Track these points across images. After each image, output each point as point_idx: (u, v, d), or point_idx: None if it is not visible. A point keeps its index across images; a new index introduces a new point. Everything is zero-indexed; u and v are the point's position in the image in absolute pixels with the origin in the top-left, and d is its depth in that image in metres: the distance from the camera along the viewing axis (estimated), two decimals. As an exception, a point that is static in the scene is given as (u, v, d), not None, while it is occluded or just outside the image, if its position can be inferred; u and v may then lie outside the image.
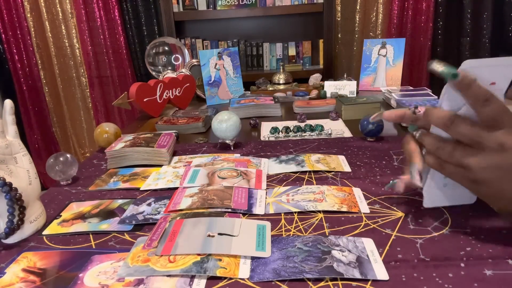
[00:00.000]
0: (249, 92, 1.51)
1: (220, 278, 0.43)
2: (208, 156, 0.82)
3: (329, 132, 0.95)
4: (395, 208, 0.57)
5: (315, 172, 0.72)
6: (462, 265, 0.43)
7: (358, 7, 2.22)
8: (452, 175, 0.45)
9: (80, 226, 0.57)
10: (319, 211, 0.57)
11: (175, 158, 0.84)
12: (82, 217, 0.60)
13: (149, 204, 0.62)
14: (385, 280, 0.41)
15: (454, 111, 0.44)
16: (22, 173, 0.55)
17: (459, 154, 0.43)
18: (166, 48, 1.56)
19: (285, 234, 0.52)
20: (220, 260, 0.46)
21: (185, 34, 2.34)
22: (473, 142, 0.42)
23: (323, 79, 1.57)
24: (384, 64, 1.50)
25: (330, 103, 1.22)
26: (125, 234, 0.54)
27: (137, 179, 0.73)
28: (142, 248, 0.49)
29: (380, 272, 0.42)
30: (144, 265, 0.46)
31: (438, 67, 0.42)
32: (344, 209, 0.57)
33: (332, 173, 0.71)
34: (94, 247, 0.52)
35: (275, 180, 0.70)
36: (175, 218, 0.56)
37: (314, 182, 0.68)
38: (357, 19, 2.24)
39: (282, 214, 0.57)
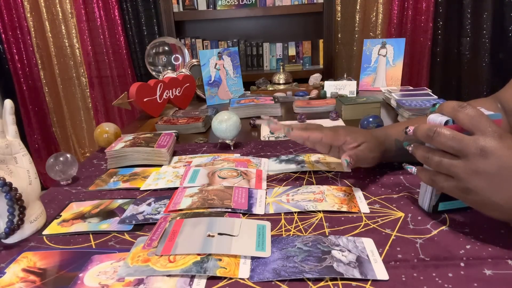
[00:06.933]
0: (249, 92, 1.51)
1: (220, 278, 0.43)
2: (208, 156, 0.82)
3: (329, 132, 0.95)
4: (395, 208, 0.57)
5: (315, 172, 0.72)
6: (462, 264, 0.43)
7: (358, 7, 2.22)
8: (444, 188, 0.46)
9: (80, 226, 0.57)
10: (319, 211, 0.57)
11: (175, 158, 0.84)
12: (82, 217, 0.60)
13: (149, 204, 0.62)
14: (385, 280, 0.41)
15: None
16: (22, 173, 0.55)
17: (446, 162, 0.44)
18: (166, 48, 1.56)
19: (285, 234, 0.52)
20: (220, 260, 0.46)
21: (185, 34, 2.34)
22: (456, 150, 0.43)
23: (323, 79, 1.57)
24: (384, 64, 1.50)
25: (330, 103, 1.22)
26: (125, 234, 0.54)
27: (137, 179, 0.73)
28: (142, 248, 0.49)
29: (380, 272, 0.43)
30: (144, 265, 0.46)
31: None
32: (344, 209, 0.57)
33: (332, 173, 0.71)
34: (94, 247, 0.52)
35: (275, 180, 0.70)
36: (175, 218, 0.56)
37: (314, 182, 0.68)
38: (357, 19, 2.24)
39: (282, 214, 0.57)
